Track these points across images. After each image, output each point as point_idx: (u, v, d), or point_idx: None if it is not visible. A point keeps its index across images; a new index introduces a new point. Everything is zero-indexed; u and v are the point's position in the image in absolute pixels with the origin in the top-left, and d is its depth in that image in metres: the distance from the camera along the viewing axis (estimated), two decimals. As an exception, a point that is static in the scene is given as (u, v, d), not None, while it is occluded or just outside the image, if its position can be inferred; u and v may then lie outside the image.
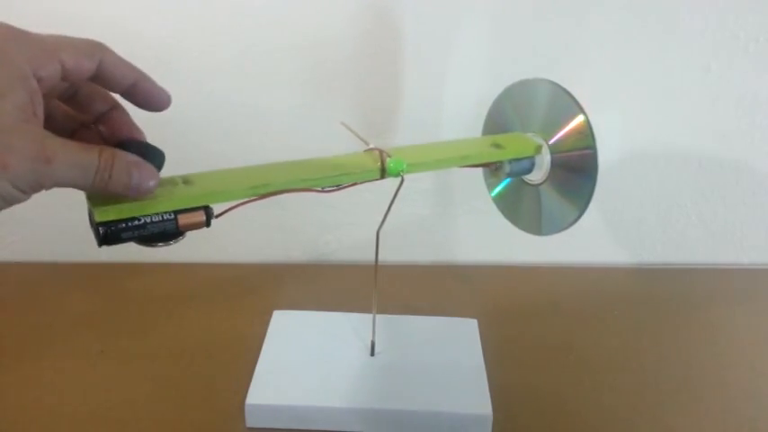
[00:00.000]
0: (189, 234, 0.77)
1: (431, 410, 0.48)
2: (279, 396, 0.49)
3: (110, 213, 0.35)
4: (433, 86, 0.65)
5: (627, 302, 0.67)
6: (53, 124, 0.35)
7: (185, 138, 0.65)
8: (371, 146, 0.45)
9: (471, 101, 0.60)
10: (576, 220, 0.47)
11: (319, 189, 0.43)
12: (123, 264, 0.75)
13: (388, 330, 0.54)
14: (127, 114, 0.38)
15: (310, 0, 0.61)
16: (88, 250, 0.74)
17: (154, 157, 0.35)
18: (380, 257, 0.48)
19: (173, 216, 0.36)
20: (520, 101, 0.51)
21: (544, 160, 0.49)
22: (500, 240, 0.75)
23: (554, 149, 0.48)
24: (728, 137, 0.68)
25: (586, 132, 0.45)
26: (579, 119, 0.45)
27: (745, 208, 0.72)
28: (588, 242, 0.73)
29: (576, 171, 0.46)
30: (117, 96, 0.37)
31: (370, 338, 0.53)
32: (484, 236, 0.75)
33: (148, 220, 0.36)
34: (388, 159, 0.43)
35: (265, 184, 0.40)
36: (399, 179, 0.44)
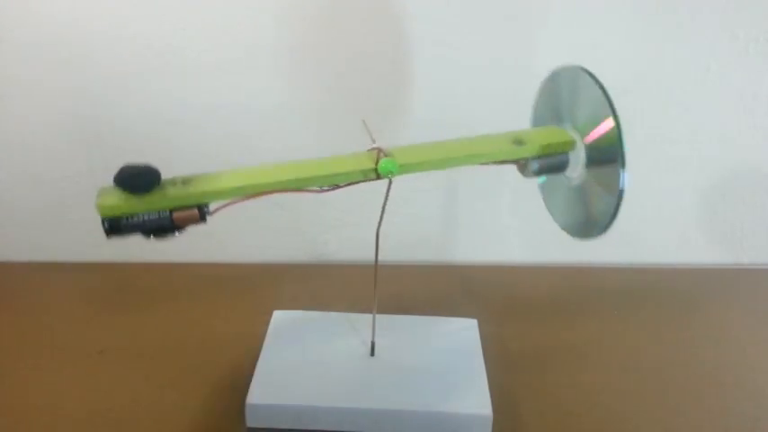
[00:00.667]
0: (189, 234, 0.77)
1: (431, 410, 0.48)
2: (279, 396, 0.49)
3: (111, 210, 0.39)
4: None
5: (627, 302, 0.67)
6: None
7: (189, 139, 0.65)
8: (375, 145, 0.44)
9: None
10: (588, 234, 0.44)
11: (317, 189, 0.44)
12: (123, 264, 0.75)
13: (388, 330, 0.54)
14: None
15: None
16: (88, 250, 0.75)
17: (147, 174, 0.39)
18: (380, 257, 0.48)
19: (168, 213, 0.40)
20: (559, 90, 0.47)
21: (579, 158, 0.45)
22: (500, 240, 0.75)
23: (588, 148, 0.44)
24: (728, 137, 0.68)
25: (614, 139, 0.41)
26: (608, 123, 0.42)
27: (745, 208, 0.72)
28: (588, 242, 0.73)
29: (601, 184, 0.43)
30: None
31: (370, 338, 0.53)
32: (484, 236, 0.75)
33: (146, 217, 0.39)
34: (380, 160, 0.43)
35: (256, 185, 0.41)
36: (396, 179, 0.44)
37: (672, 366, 0.57)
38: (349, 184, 0.44)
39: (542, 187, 0.52)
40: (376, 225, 0.47)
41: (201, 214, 0.41)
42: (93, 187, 0.71)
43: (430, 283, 0.71)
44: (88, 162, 0.69)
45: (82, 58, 0.63)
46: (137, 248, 0.76)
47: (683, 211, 0.73)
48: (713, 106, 0.66)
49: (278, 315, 0.57)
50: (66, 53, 0.63)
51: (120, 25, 0.62)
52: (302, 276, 0.72)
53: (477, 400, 0.48)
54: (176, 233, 0.41)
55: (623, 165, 0.41)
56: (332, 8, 0.61)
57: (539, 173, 0.46)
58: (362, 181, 0.44)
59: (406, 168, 0.44)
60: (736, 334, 0.63)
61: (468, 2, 0.62)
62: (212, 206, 0.42)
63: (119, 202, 0.39)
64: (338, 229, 0.74)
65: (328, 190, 0.44)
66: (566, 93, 0.47)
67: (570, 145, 0.45)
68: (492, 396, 0.48)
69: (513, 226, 0.73)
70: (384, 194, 0.44)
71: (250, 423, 0.48)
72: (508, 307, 0.66)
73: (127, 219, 0.40)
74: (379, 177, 0.43)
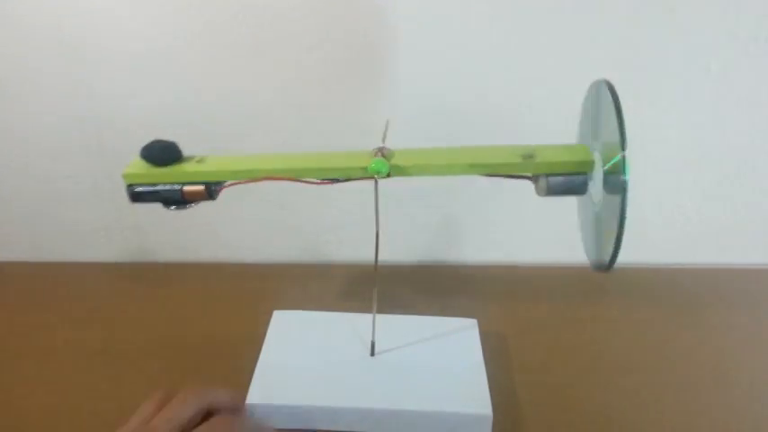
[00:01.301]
0: (189, 234, 0.77)
1: (431, 410, 0.48)
2: (279, 396, 0.49)
3: (134, 178, 0.45)
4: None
5: (627, 302, 0.67)
6: None
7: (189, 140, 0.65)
8: (382, 145, 0.45)
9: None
10: (598, 266, 0.41)
11: (317, 181, 0.45)
12: (123, 264, 0.75)
13: (388, 330, 0.54)
14: None
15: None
16: (88, 250, 0.75)
17: (172, 152, 0.45)
18: (380, 257, 0.48)
19: (179, 187, 0.45)
20: (594, 105, 0.44)
21: (596, 181, 0.41)
22: (500, 240, 0.75)
23: (604, 173, 0.40)
24: (728, 137, 0.68)
25: (619, 170, 0.39)
26: (618, 155, 0.39)
27: (745, 208, 0.72)
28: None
29: (607, 212, 0.40)
30: None
31: (370, 338, 0.53)
32: (484, 236, 0.75)
33: (160, 187, 0.45)
34: (372, 160, 0.43)
35: (258, 170, 0.44)
36: (396, 179, 0.44)
37: (672, 366, 0.57)
38: (347, 180, 0.44)
39: (578, 207, 0.48)
40: (378, 226, 0.47)
41: (209, 192, 0.45)
42: (93, 187, 0.72)
43: (430, 283, 0.71)
44: (88, 162, 0.69)
45: (82, 59, 0.63)
46: (136, 249, 0.76)
47: (682, 210, 0.73)
48: (713, 106, 0.66)
49: (278, 315, 0.57)
50: (66, 54, 0.63)
51: (120, 25, 0.62)
52: (302, 276, 0.72)
53: (477, 400, 0.48)
54: (187, 206, 0.45)
55: (624, 197, 0.38)
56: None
57: (549, 192, 0.42)
58: (357, 179, 0.44)
59: (399, 171, 0.44)
60: (737, 334, 0.62)
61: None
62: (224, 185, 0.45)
63: (141, 171, 0.45)
64: (338, 229, 0.74)
65: (327, 183, 0.45)
66: (595, 109, 0.43)
67: (586, 166, 0.41)
68: (492, 396, 0.48)
69: (514, 226, 0.73)
70: (383, 195, 0.44)
71: (250, 423, 0.48)
72: (508, 307, 0.66)
73: (144, 187, 0.45)
74: (372, 176, 0.43)
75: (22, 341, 0.59)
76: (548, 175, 0.42)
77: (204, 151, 0.48)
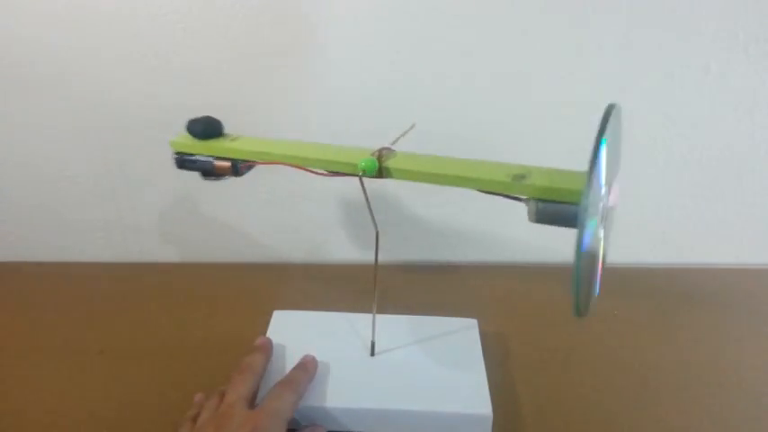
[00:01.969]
0: (189, 234, 0.77)
1: (431, 410, 0.48)
2: (279, 396, 0.48)
3: (177, 146, 0.50)
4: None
5: (627, 302, 0.67)
6: None
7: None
8: (386, 146, 0.45)
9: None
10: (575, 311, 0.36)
11: (323, 172, 0.46)
12: (123, 264, 0.75)
13: (388, 330, 0.54)
14: None
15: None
16: (88, 250, 0.75)
17: (212, 127, 0.50)
18: (380, 257, 0.48)
19: (211, 160, 0.49)
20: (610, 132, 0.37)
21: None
22: (500, 240, 0.75)
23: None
24: (728, 137, 0.68)
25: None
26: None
27: (745, 208, 0.72)
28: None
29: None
30: None
31: (370, 338, 0.53)
32: (484, 236, 0.75)
33: (197, 158, 0.49)
34: (362, 160, 0.43)
35: (267, 153, 0.47)
36: (395, 180, 0.44)
37: (672, 366, 0.57)
38: (346, 175, 0.45)
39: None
40: (376, 226, 0.47)
41: (235, 169, 0.48)
42: (93, 187, 0.72)
43: (430, 283, 0.71)
44: (88, 162, 0.69)
45: (82, 60, 0.63)
46: (136, 249, 0.76)
47: (682, 210, 0.73)
48: (713, 106, 0.66)
49: (278, 315, 0.57)
50: (66, 55, 0.63)
51: (120, 26, 0.62)
52: (302, 276, 0.72)
53: (477, 400, 0.48)
54: (220, 179, 0.49)
55: (580, 244, 0.33)
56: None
57: (538, 219, 0.39)
58: (345, 174, 0.45)
59: (389, 173, 0.44)
60: (737, 334, 0.63)
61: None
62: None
63: (184, 141, 0.50)
64: (338, 229, 0.74)
65: (331, 175, 0.45)
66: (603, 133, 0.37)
67: (576, 195, 0.36)
68: (492, 396, 0.48)
69: (514, 226, 0.73)
70: (383, 195, 0.44)
71: (250, 423, 0.48)
72: (508, 307, 0.66)
73: (185, 156, 0.49)
74: (363, 174, 0.44)
75: (22, 341, 0.59)
76: (537, 201, 0.38)
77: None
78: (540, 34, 0.63)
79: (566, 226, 0.37)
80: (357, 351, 0.53)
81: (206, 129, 0.49)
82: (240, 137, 0.50)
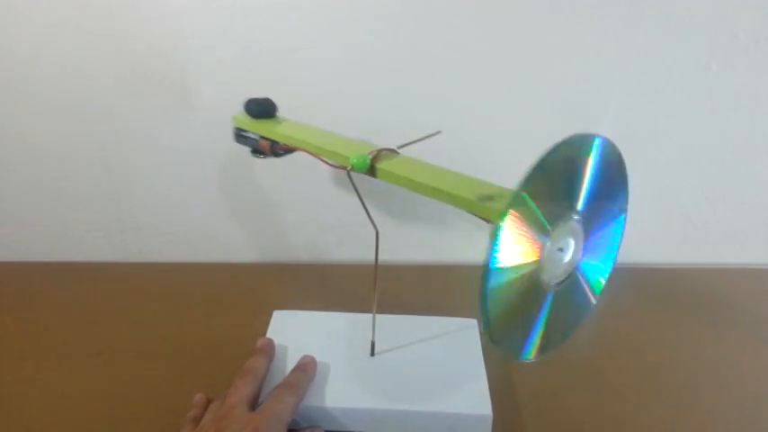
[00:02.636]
0: (188, 234, 0.77)
1: (431, 410, 0.48)
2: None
3: (236, 122, 0.53)
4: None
5: (627, 302, 0.67)
6: None
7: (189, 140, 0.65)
8: (390, 147, 0.46)
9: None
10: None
11: (334, 163, 0.47)
12: (123, 264, 0.75)
13: (388, 330, 0.54)
14: None
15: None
16: (88, 250, 0.75)
17: (265, 108, 0.53)
18: (380, 257, 0.48)
19: (257, 138, 0.52)
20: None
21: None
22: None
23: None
24: (728, 137, 0.68)
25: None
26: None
27: (745, 208, 0.72)
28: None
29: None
30: None
31: (370, 338, 0.53)
32: (484, 236, 0.75)
33: (248, 134, 0.52)
34: (353, 156, 0.44)
35: (290, 137, 0.50)
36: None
37: (672, 366, 0.57)
38: (352, 169, 0.45)
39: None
40: (376, 226, 0.47)
41: (273, 149, 0.51)
42: (93, 187, 0.71)
43: (430, 283, 0.71)
44: (88, 162, 0.69)
45: (82, 61, 0.63)
46: (136, 249, 0.76)
47: (681, 210, 0.73)
48: (713, 106, 0.66)
49: (278, 315, 0.57)
50: (66, 55, 0.63)
51: (120, 26, 0.62)
52: (302, 276, 0.72)
53: (477, 400, 0.48)
54: (265, 157, 0.52)
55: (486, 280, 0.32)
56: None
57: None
58: (335, 165, 0.46)
59: (376, 173, 0.44)
60: (737, 334, 0.63)
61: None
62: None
63: (242, 118, 0.53)
64: (338, 229, 0.74)
65: (340, 168, 0.46)
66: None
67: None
68: (492, 396, 0.48)
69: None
70: (384, 195, 0.44)
71: (250, 423, 0.48)
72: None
73: (241, 131, 0.53)
74: (355, 169, 0.44)
75: (21, 341, 0.59)
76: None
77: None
78: (540, 34, 0.63)
79: None
80: (357, 351, 0.53)
81: (259, 108, 0.52)
82: (286, 120, 0.53)
